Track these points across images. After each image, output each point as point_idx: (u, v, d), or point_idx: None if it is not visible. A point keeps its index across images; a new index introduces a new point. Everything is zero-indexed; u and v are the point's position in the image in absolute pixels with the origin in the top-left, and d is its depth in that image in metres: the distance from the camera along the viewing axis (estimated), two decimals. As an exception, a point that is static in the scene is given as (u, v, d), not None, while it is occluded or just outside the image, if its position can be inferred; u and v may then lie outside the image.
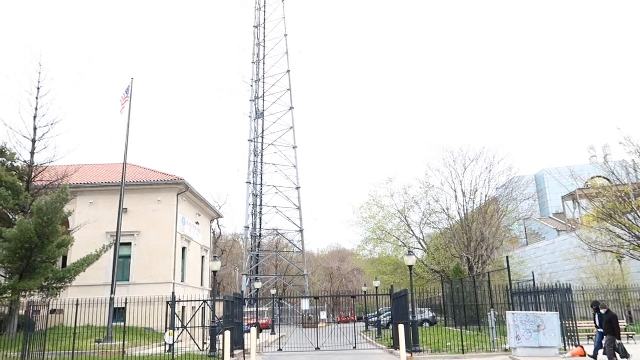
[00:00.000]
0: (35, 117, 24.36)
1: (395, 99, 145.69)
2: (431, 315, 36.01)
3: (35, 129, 24.37)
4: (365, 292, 37.25)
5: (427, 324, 32.88)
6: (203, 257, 36.91)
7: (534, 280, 20.10)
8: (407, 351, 15.83)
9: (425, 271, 38.65)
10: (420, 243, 39.95)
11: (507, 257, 21.25)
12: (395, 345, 19.08)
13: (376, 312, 32.74)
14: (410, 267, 20.02)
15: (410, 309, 19.02)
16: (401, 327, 16.31)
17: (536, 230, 61.32)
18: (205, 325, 23.27)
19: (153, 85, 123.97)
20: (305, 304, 42.82)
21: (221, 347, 16.81)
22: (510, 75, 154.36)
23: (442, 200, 37.87)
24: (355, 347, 22.01)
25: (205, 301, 22.15)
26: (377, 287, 34.48)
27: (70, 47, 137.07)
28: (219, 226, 64.56)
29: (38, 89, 24.51)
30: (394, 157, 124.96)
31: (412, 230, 39.63)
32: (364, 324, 38.91)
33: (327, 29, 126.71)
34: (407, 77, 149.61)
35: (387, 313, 30.91)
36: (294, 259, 65.92)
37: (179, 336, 20.26)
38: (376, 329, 30.87)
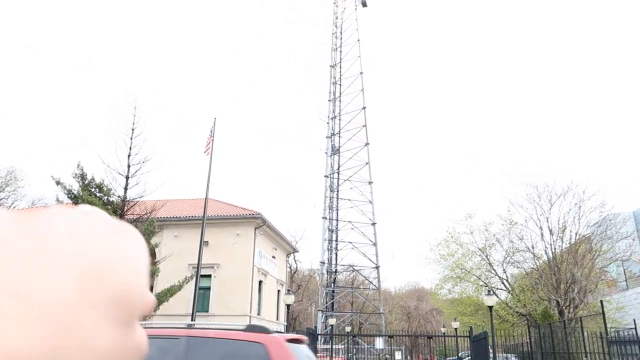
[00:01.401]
0: (129, 156, 26.53)
1: (472, 130, 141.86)
2: (517, 361, 33.48)
3: (128, 166, 26.50)
4: (443, 333, 35.56)
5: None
6: (279, 290, 37.36)
7: (635, 328, 18.14)
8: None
9: (510, 314, 36.22)
10: (503, 283, 37.68)
11: (602, 301, 19.46)
12: (476, 392, 17.89)
13: (456, 356, 31.05)
14: (490, 307, 18.93)
15: (491, 353, 17.86)
16: (481, 372, 15.34)
17: (637, 273, 55.63)
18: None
19: (232, 121, 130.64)
20: (379, 343, 41.60)
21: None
22: (599, 103, 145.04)
23: (526, 237, 35.67)
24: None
25: (279, 335, 22.26)
26: (456, 329, 32.82)
27: (160, 88, 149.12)
28: (295, 261, 65.32)
29: (132, 129, 26.76)
30: (472, 191, 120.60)
31: (494, 270, 37.55)
32: (443, 367, 36.98)
33: (401, 62, 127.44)
34: (482, 108, 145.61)
35: (468, 357, 29.20)
36: (370, 296, 64.74)
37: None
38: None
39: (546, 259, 34.65)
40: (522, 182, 57.60)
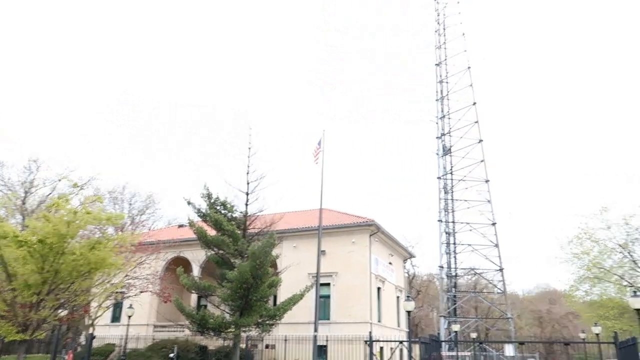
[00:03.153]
0: (247, 173, 28.31)
1: (595, 118, 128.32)
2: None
3: (247, 183, 28.25)
4: (583, 339, 32.48)
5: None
6: (398, 297, 37.03)
7: None
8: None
9: (663, 316, 32.01)
10: (651, 282, 33.45)
11: None
12: (627, 406, 16.08)
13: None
14: (638, 310, 16.93)
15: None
16: (631, 384, 13.77)
17: None
18: (404, 367, 23.08)
19: (341, 129, 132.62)
20: (509, 350, 39.18)
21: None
22: None
23: (676, 229, 31.39)
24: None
25: (401, 342, 22.10)
26: (597, 334, 29.80)
27: (269, 103, 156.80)
28: (412, 266, 64.22)
29: (249, 149, 28.54)
30: (605, 184, 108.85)
31: (639, 267, 33.53)
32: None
33: (513, 52, 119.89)
34: (610, 88, 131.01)
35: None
36: (495, 301, 61.32)
37: (378, 376, 20.47)
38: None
39: None
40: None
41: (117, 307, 34.32)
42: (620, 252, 34.00)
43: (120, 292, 27.41)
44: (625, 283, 33.54)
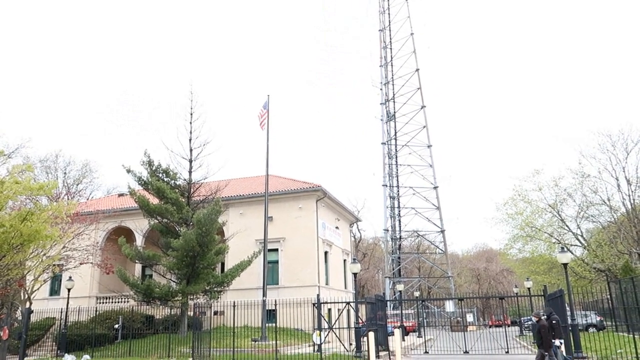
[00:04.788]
0: (190, 140, 27.46)
1: (533, 83, 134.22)
2: (598, 319, 32.18)
3: (191, 150, 27.46)
4: (516, 293, 34.74)
5: (593, 329, 29.43)
6: (345, 260, 37.86)
7: None
8: (566, 357, 14.37)
9: (587, 270, 34.74)
10: (577, 239, 36.06)
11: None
12: (554, 351, 17.41)
13: (531, 316, 30.32)
14: (565, 265, 18.18)
15: (569, 311, 17.25)
16: (558, 331, 14.84)
17: None
18: (350, 326, 23.80)
19: (283, 94, 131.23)
20: (450, 306, 41.36)
21: (366, 348, 17.05)
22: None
23: (601, 190, 33.77)
24: (507, 352, 20.65)
25: (348, 303, 22.68)
26: (529, 288, 31.96)
27: (213, 68, 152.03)
28: (358, 230, 65.72)
29: (191, 114, 27.60)
30: (537, 148, 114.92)
31: (567, 226, 35.95)
32: (518, 328, 36.25)
33: (454, 19, 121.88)
34: (544, 57, 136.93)
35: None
36: (437, 261, 64.28)
37: (326, 337, 21.01)
38: (531, 333, 28.56)
39: (624, 211, 32.70)
40: (593, 131, 54.20)
41: (56, 280, 32.99)
42: (550, 212, 36.27)
43: (58, 265, 26.24)
44: (554, 240, 35.94)
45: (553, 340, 13.57)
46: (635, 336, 19.50)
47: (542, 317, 13.87)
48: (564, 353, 14.10)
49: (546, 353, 13.30)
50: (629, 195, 32.04)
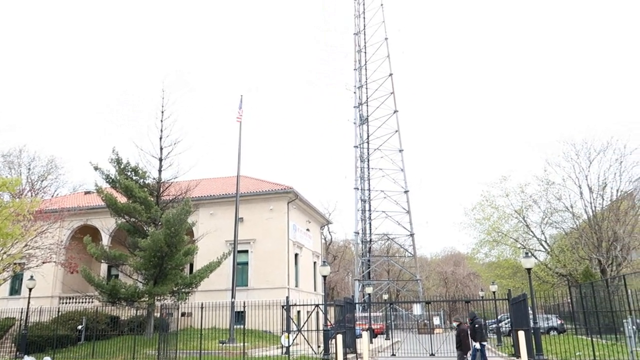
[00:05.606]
0: (160, 138, 27.05)
1: (506, 91, 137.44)
2: (559, 322, 33.18)
3: (161, 148, 27.05)
4: (481, 296, 35.48)
5: (554, 332, 30.34)
6: (315, 262, 37.92)
7: (681, 283, 17.62)
8: (528, 359, 14.80)
9: (549, 275, 35.75)
10: (541, 244, 37.08)
11: (645, 258, 18.93)
12: (516, 353, 17.90)
13: (495, 319, 31.00)
14: (529, 270, 18.68)
15: (531, 314, 17.73)
16: (521, 334, 15.32)
17: (684, 227, 53.59)
18: (319, 329, 23.85)
19: (257, 95, 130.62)
20: (417, 309, 41.90)
21: (334, 351, 17.13)
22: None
23: (564, 197, 34.80)
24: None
25: (317, 305, 22.73)
26: (494, 292, 32.67)
27: (188, 67, 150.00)
28: (329, 232, 65.93)
29: (162, 112, 27.20)
30: (507, 154, 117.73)
31: (531, 231, 36.93)
32: (483, 330, 36.98)
33: (429, 26, 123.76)
34: (516, 68, 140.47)
35: (508, 320, 29.12)
36: (406, 264, 65.00)
37: (294, 339, 21.00)
38: (495, 336, 29.25)
39: (586, 218, 33.78)
40: (558, 140, 55.86)
41: (17, 279, 31.93)
42: (516, 218, 37.18)
43: (19, 264, 25.40)
44: (519, 245, 36.84)
45: (474, 343, 14.26)
46: (594, 339, 20.25)
47: (463, 322, 15.05)
48: (486, 355, 14.96)
49: (465, 355, 14.32)
50: (591, 203, 33.13)
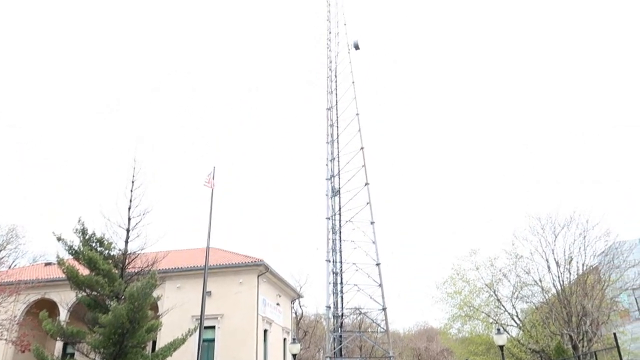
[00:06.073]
0: (129, 208, 26.52)
1: (472, 167, 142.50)
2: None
3: (129, 219, 26.45)
4: (456, 375, 34.53)
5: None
6: (285, 339, 36.56)
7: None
8: None
9: (522, 351, 35.26)
10: (513, 319, 36.87)
11: (615, 334, 19.05)
12: None
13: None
14: (501, 347, 18.46)
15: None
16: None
17: (650, 301, 54.44)
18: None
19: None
20: (390, 388, 40.24)
21: None
22: (600, 130, 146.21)
23: (533, 271, 35.12)
24: None
25: (286, 386, 21.64)
26: (468, 370, 31.87)
27: (156, 139, 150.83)
28: (300, 306, 64.09)
29: (132, 182, 26.90)
30: (477, 228, 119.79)
31: (502, 305, 36.80)
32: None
33: (401, 98, 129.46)
34: (482, 144, 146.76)
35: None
36: (378, 340, 63.18)
37: None
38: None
39: (555, 292, 34.01)
40: (525, 214, 57.46)
41: (-39, 359, 29.57)
42: (487, 292, 37.16)
43: (-34, 342, 23.64)
44: (491, 320, 36.54)
45: None
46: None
47: None
48: None
49: None
50: (559, 277, 33.52)
